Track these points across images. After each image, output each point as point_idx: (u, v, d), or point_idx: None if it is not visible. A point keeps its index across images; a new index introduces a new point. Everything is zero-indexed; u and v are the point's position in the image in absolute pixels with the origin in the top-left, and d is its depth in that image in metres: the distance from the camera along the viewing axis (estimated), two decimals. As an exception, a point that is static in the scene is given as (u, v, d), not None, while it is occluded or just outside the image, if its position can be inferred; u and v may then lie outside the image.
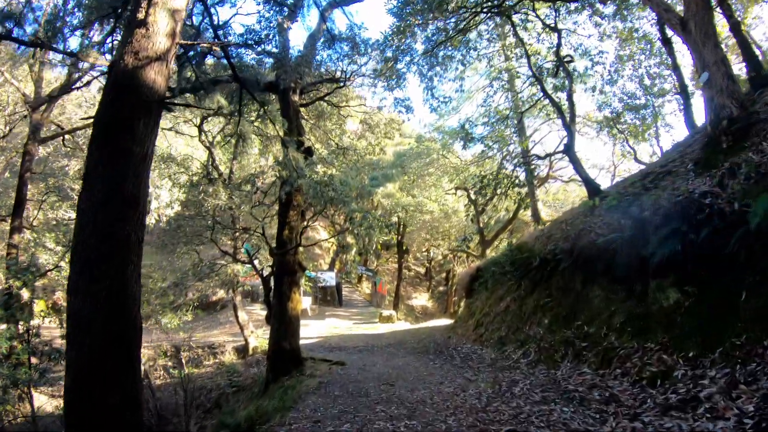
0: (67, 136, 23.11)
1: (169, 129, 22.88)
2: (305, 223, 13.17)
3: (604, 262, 8.68)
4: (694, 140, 10.84)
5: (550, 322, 10.26)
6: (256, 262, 13.92)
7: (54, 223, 22.99)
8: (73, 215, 24.08)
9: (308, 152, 13.14)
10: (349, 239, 11.94)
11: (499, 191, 12.79)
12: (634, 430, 5.09)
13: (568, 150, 11.17)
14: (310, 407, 7.83)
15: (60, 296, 31.98)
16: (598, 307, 8.86)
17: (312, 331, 22.20)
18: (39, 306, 30.85)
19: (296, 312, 12.53)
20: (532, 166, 11.90)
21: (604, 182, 29.07)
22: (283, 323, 12.28)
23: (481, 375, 9.52)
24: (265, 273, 13.86)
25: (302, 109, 17.49)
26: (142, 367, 18.91)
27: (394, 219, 35.09)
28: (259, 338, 19.73)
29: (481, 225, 26.50)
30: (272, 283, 12.81)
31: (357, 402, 8.03)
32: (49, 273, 22.98)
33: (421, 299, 45.14)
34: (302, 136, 13.53)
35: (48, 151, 25.24)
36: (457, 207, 30.43)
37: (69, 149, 25.84)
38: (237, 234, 14.98)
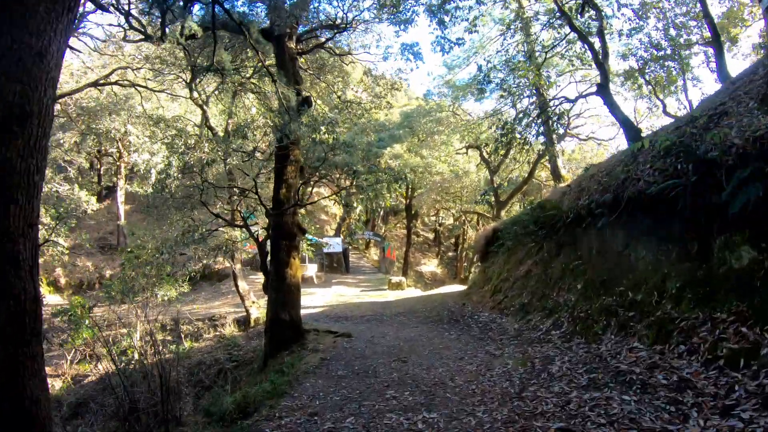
0: (58, 106, 21.84)
1: (161, 91, 21.53)
2: (311, 187, 11.82)
3: (655, 217, 7.28)
4: (744, 82, 9.25)
5: (584, 287, 8.93)
6: (253, 226, 12.65)
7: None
8: (67, 188, 23.09)
9: (306, 102, 11.71)
10: (354, 200, 10.57)
11: (520, 139, 11.29)
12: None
13: (602, 89, 9.65)
14: (307, 393, 6.61)
15: (60, 273, 31.28)
16: (644, 271, 7.50)
17: (317, 299, 21.09)
18: (41, 282, 30.26)
19: (296, 280, 11.30)
20: (559, 111, 10.38)
21: (623, 143, 27.44)
22: (281, 292, 11.06)
23: (507, 349, 8.27)
24: (262, 237, 12.56)
25: (302, 60, 15.98)
26: (136, 343, 18.01)
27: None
28: (261, 309, 18.61)
29: (495, 185, 25.01)
30: (269, 248, 11.55)
31: (363, 385, 6.80)
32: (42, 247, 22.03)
33: (430, 265, 44.04)
34: (299, 84, 12.04)
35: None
36: (468, 168, 28.91)
37: (63, 119, 24.49)
38: (233, 197, 13.64)
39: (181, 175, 12.33)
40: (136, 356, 17.87)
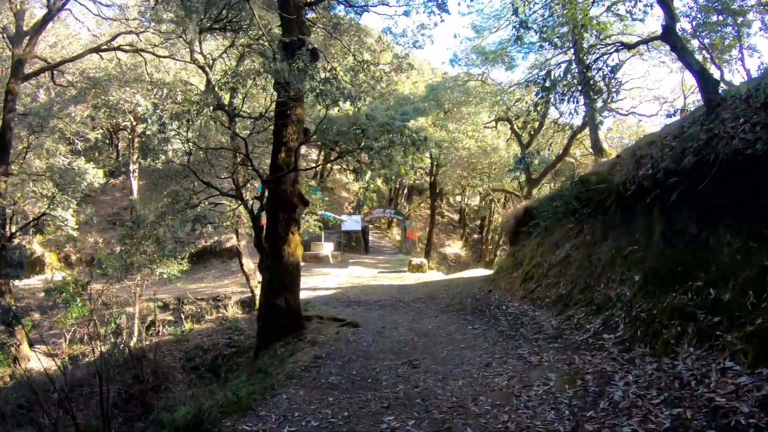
0: (65, 78, 20.59)
1: (168, 57, 20.08)
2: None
3: (753, 184, 5.41)
4: None
5: (645, 279, 7.09)
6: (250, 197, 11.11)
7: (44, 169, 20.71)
8: (67, 161, 21.88)
9: (313, 55, 10.00)
10: (364, 167, 8.90)
11: (561, 96, 9.36)
12: None
13: (669, 32, 7.68)
14: (279, 410, 4.98)
15: (70, 249, 30.46)
16: (730, 262, 5.65)
17: (330, 280, 19.58)
18: (52, 258, 29.50)
19: (295, 259, 9.69)
20: (614, 63, 8.45)
21: (663, 120, 24.98)
22: (276, 273, 9.49)
23: (546, 355, 6.54)
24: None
25: (313, 16, 14.24)
26: (135, 323, 16.82)
27: (427, 158, 31.86)
28: (268, 289, 17.20)
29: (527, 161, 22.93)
30: (264, 222, 9.98)
31: (356, 402, 5.15)
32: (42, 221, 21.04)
33: (454, 247, 42.31)
34: (304, 35, 10.28)
35: (50, 96, 22.99)
36: (497, 144, 26.84)
37: (74, 92, 23.20)
38: (237, 165, 12.02)
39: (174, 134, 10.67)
40: (134, 339, 16.87)
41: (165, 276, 17.36)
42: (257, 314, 10.15)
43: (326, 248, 25.74)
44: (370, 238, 34.13)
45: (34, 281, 26.41)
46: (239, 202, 10.55)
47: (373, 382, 5.84)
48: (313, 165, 14.11)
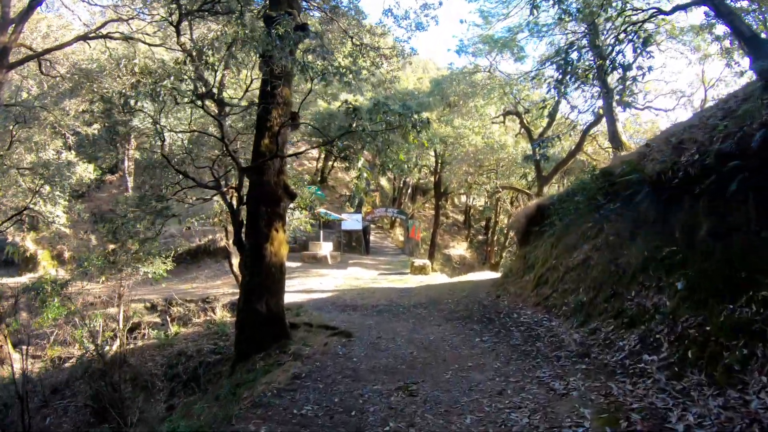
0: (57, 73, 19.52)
1: (157, 45, 18.97)
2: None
3: None
4: None
5: (690, 286, 5.88)
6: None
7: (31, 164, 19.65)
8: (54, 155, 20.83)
9: (301, 29, 8.82)
10: (355, 153, 7.70)
11: (586, 75, 8.16)
12: None
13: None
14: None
15: (63, 246, 29.46)
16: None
17: (328, 282, 18.41)
18: (45, 256, 28.53)
19: (279, 258, 8.53)
20: (644, 33, 7.22)
21: (682, 114, 23.69)
22: (257, 275, 8.33)
23: (572, 379, 5.35)
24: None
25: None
26: (120, 326, 15.71)
27: (431, 156, 30.67)
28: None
29: (537, 156, 21.62)
30: (244, 216, 8.82)
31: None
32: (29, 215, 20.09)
33: (459, 249, 41.08)
34: (293, 9, 9.11)
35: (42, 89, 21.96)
36: (504, 140, 25.58)
37: (68, 86, 22.10)
38: (219, 156, 10.84)
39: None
40: (116, 343, 15.76)
41: (150, 276, 16.28)
42: (235, 321, 8.98)
43: (325, 248, 24.54)
44: (372, 238, 32.91)
45: (25, 279, 25.39)
46: (203, 187, 9.35)
47: (357, 415, 4.66)
48: (297, 151, 12.72)
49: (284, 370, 6.55)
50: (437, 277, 20.64)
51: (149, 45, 19.14)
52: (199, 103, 8.53)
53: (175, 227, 23.48)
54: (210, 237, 25.75)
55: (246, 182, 9.21)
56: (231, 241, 16.20)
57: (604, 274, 8.32)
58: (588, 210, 9.07)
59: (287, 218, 13.94)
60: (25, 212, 18.73)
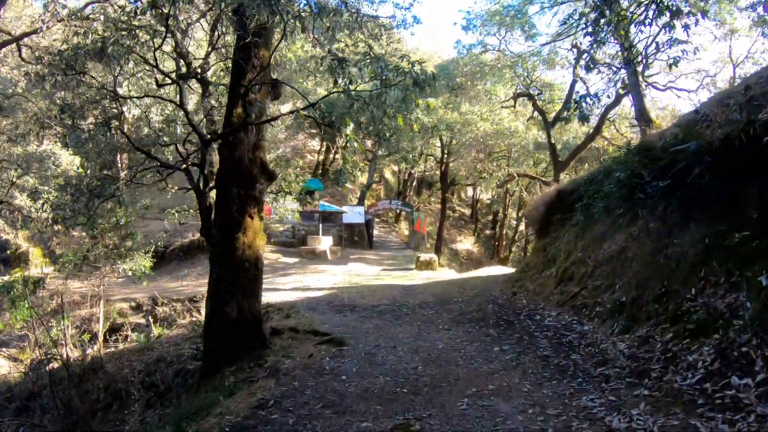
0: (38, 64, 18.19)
1: (139, 27, 17.50)
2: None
3: None
4: None
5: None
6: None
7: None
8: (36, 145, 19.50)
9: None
10: (344, 119, 6.28)
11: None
12: None
13: None
14: None
15: (56, 242, 28.19)
16: None
17: (326, 279, 16.95)
18: (36, 254, 27.30)
19: (254, 251, 7.05)
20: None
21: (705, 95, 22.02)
22: (227, 270, 6.88)
23: (636, 413, 3.86)
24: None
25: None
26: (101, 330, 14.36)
27: (437, 145, 29.15)
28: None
29: (553, 141, 20.03)
30: (213, 201, 7.35)
31: None
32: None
33: (466, 243, 39.58)
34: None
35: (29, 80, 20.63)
36: (515, 127, 23.95)
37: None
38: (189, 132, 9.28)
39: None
40: (94, 346, 14.42)
41: (130, 273, 14.93)
42: (203, 327, 7.51)
43: (324, 243, 23.07)
44: (376, 232, 31.45)
45: (7, 277, 24.11)
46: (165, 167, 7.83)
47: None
48: (271, 117, 10.95)
49: (250, 393, 5.08)
50: (445, 273, 19.13)
51: (133, 28, 17.74)
52: (152, 61, 7.01)
53: (168, 222, 22.17)
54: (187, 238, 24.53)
55: (215, 162, 7.72)
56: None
57: (649, 267, 6.80)
58: (624, 193, 7.48)
59: (271, 204, 12.38)
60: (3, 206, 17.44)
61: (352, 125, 5.83)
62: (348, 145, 6.14)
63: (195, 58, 8.38)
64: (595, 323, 7.21)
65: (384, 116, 6.02)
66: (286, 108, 26.15)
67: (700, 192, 6.24)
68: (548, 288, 9.94)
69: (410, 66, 5.59)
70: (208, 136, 7.17)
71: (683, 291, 5.80)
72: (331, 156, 36.24)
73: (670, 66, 7.76)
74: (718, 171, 5.92)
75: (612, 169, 8.01)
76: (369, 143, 27.74)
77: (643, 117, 12.67)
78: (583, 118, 7.46)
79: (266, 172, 7.26)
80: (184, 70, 8.22)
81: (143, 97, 8.32)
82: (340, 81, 5.58)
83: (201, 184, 7.45)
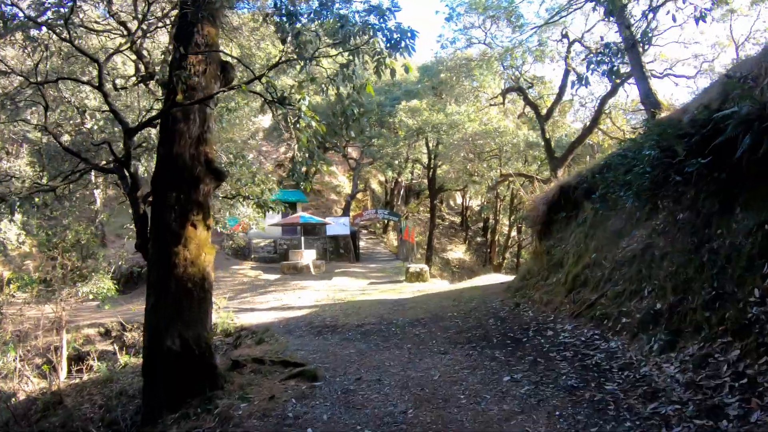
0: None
1: (105, 30, 16.18)
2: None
3: None
4: None
5: None
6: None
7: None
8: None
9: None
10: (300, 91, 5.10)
11: None
12: None
13: None
14: None
15: (30, 265, 26.53)
16: None
17: (307, 296, 15.54)
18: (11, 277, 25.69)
19: (199, 269, 5.65)
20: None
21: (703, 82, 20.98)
22: (165, 294, 5.46)
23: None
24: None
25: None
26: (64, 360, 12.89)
27: (423, 152, 27.97)
28: (221, 313, 13.07)
29: (548, 136, 18.77)
30: (148, 208, 5.97)
31: None
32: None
33: (457, 252, 38.27)
34: None
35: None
36: (503, 126, 22.77)
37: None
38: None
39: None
40: (58, 378, 12.93)
41: (91, 297, 13.56)
42: (142, 363, 6.06)
43: (306, 257, 21.63)
44: (363, 244, 30.05)
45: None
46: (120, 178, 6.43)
47: None
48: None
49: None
50: (437, 284, 17.79)
51: (92, 31, 16.36)
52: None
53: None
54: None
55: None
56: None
57: (688, 266, 5.49)
58: (656, 175, 6.17)
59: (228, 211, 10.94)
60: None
61: (308, 99, 4.51)
62: (298, 119, 4.77)
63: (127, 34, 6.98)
64: (623, 338, 5.90)
65: (351, 87, 4.70)
66: (264, 118, 24.81)
67: (747, 170, 4.96)
68: (557, 297, 8.61)
69: (380, 20, 4.28)
70: (133, 125, 5.78)
71: (740, 293, 4.51)
72: (316, 167, 34.88)
73: (696, 21, 6.52)
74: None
75: (636, 148, 6.65)
76: (354, 153, 26.58)
77: (649, 100, 11.48)
78: (610, 77, 6.19)
79: (213, 171, 5.88)
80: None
81: (58, 80, 6.85)
82: (288, 40, 4.28)
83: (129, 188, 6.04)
